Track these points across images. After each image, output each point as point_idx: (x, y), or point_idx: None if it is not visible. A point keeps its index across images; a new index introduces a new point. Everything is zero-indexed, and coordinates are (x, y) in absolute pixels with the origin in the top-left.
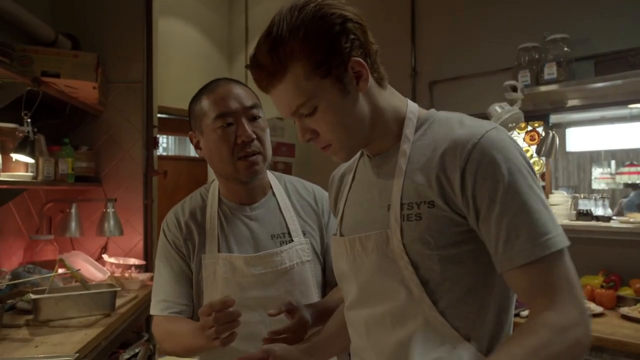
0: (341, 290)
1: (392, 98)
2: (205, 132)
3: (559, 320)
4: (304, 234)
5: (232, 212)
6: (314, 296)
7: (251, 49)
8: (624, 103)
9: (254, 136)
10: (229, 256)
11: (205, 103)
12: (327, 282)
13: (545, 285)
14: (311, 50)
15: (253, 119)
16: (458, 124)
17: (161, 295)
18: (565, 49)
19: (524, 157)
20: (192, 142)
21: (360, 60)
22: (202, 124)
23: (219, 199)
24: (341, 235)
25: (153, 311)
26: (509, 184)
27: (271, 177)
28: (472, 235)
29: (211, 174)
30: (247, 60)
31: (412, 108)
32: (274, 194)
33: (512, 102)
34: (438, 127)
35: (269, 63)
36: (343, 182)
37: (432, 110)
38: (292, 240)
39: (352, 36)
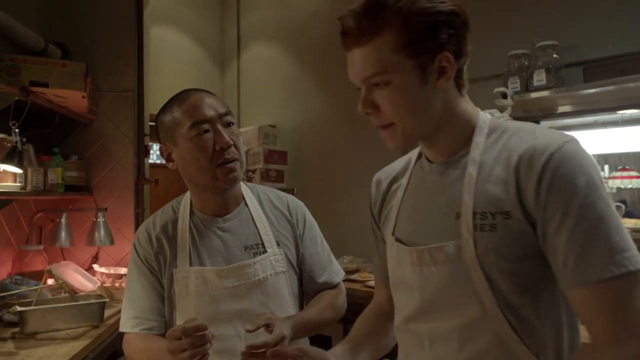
0: (395, 299)
1: (466, 105)
2: (179, 142)
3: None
4: (278, 245)
5: (204, 224)
6: (290, 307)
7: (243, 57)
8: (614, 109)
9: (232, 142)
10: (200, 269)
11: (177, 113)
12: (305, 293)
13: (615, 311)
14: (409, 27)
15: (227, 125)
16: (531, 134)
17: (132, 312)
18: (554, 55)
19: (598, 172)
20: (162, 155)
21: (450, 57)
22: (175, 135)
23: (191, 211)
24: (398, 241)
25: (123, 328)
26: (585, 196)
27: (244, 187)
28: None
29: None
30: (240, 69)
31: (484, 117)
32: (246, 204)
33: (502, 109)
34: (509, 137)
35: (364, 21)
36: (393, 186)
37: (502, 120)
38: (266, 251)
39: (452, 31)
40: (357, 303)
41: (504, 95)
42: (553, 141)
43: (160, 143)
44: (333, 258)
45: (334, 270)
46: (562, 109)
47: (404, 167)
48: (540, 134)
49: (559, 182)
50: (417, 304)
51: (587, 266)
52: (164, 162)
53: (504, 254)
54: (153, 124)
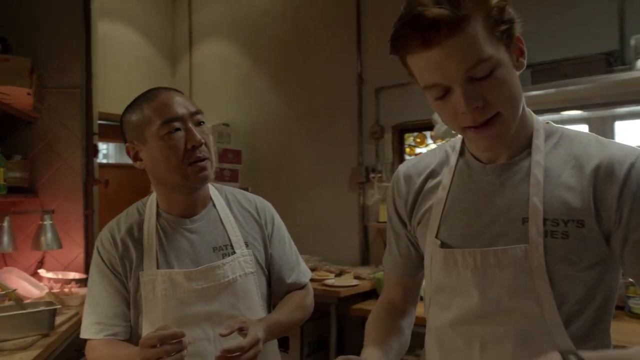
0: (434, 301)
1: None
2: (149, 141)
3: None
4: (247, 245)
5: (171, 225)
6: (259, 308)
7: (195, 53)
8: (557, 110)
9: (203, 141)
10: (168, 272)
11: (147, 111)
12: (273, 294)
13: None
14: (492, 7)
15: (198, 124)
16: (598, 143)
17: (94, 317)
18: None
19: None
20: (129, 154)
21: (521, 38)
22: (145, 133)
23: (157, 213)
24: (445, 244)
25: (85, 334)
26: None
27: (211, 188)
28: (607, 259)
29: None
30: (192, 66)
31: (537, 118)
32: (214, 205)
33: None
34: (571, 143)
35: (449, 8)
36: (429, 182)
37: (553, 124)
38: (235, 252)
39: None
40: (316, 302)
41: None
42: (630, 152)
43: (126, 142)
44: (300, 259)
45: (301, 270)
46: None
47: (439, 163)
48: (610, 144)
49: (629, 183)
50: (475, 306)
51: None
52: (113, 162)
53: (575, 263)
54: (101, 122)
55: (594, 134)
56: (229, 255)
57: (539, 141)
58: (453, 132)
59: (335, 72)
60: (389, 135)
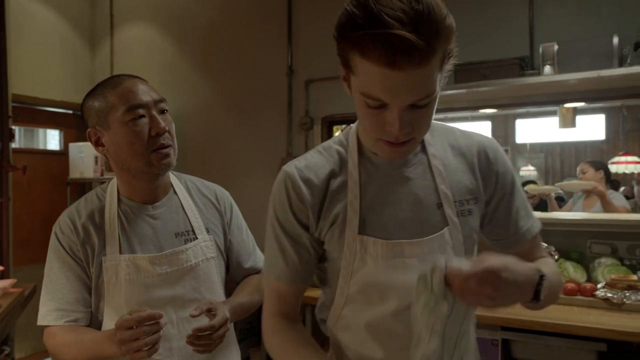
0: (365, 298)
1: None
2: (112, 127)
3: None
4: (208, 231)
5: (133, 211)
6: (220, 292)
7: (117, 36)
8: (474, 108)
9: (167, 128)
10: (132, 257)
11: (111, 97)
12: (231, 279)
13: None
14: (451, 46)
15: (162, 112)
16: (461, 133)
17: (54, 304)
18: None
19: None
20: (90, 139)
21: None
22: (108, 119)
23: (118, 199)
24: (376, 237)
25: (44, 321)
26: (515, 177)
27: (172, 176)
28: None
29: (73, 169)
30: (113, 50)
31: None
32: (175, 192)
33: None
34: (445, 135)
35: (425, 38)
36: (332, 183)
37: None
38: (197, 238)
39: None
40: None
41: None
42: (488, 139)
43: (88, 127)
44: (255, 245)
45: (257, 256)
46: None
47: (335, 163)
48: (472, 134)
49: (505, 168)
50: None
51: (533, 223)
52: (29, 147)
53: (476, 232)
54: (17, 104)
55: (451, 125)
56: (191, 241)
57: (427, 137)
58: None
59: (265, 62)
60: (319, 127)
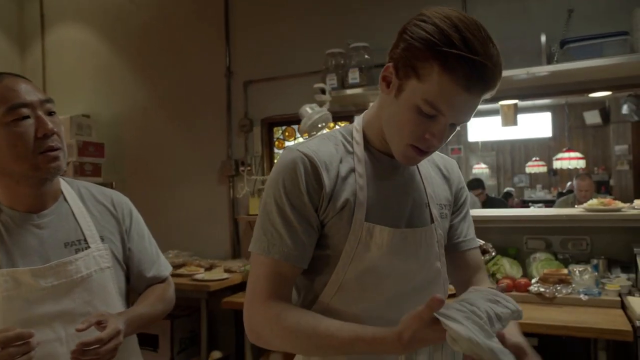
0: (361, 285)
1: None
2: None
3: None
4: (103, 240)
5: (15, 221)
6: (118, 304)
7: (49, 37)
8: None
9: (56, 130)
10: (11, 271)
11: None
12: (132, 289)
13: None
14: None
15: (50, 114)
16: None
17: None
18: (366, 56)
19: None
20: None
21: None
22: None
23: None
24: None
25: None
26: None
27: (62, 182)
28: None
29: None
30: (45, 52)
31: None
32: (65, 199)
33: (321, 104)
34: None
35: (498, 76)
36: (341, 171)
37: None
38: (89, 247)
39: None
40: (186, 297)
41: (323, 91)
42: (449, 157)
43: None
44: (160, 252)
45: (162, 264)
46: (371, 105)
47: (343, 151)
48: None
49: (463, 182)
50: (416, 273)
51: (473, 234)
52: None
53: (445, 232)
54: None
55: None
56: (82, 250)
57: None
58: (319, 126)
59: (203, 64)
60: (258, 129)
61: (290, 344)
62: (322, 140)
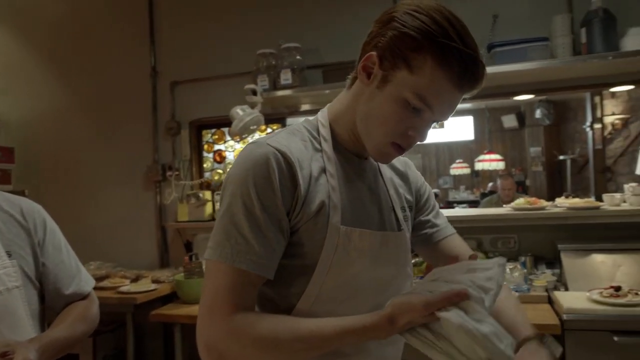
0: (346, 293)
1: None
2: None
3: None
4: (10, 256)
5: None
6: (29, 328)
7: None
8: None
9: None
10: None
11: None
12: (49, 309)
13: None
14: None
15: None
16: None
17: None
18: (298, 57)
19: None
20: None
21: None
22: None
23: None
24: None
25: None
26: None
27: None
28: None
29: None
30: None
31: None
32: None
33: (252, 105)
34: None
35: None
36: (313, 170)
37: None
38: None
39: None
40: (109, 312)
41: (254, 92)
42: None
43: None
44: (81, 265)
45: (82, 278)
46: (304, 107)
47: (312, 148)
48: None
49: (421, 177)
50: (391, 278)
51: (447, 223)
52: None
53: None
54: None
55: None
56: None
57: None
58: (251, 128)
59: (126, 63)
60: (186, 132)
61: (269, 356)
62: (289, 135)
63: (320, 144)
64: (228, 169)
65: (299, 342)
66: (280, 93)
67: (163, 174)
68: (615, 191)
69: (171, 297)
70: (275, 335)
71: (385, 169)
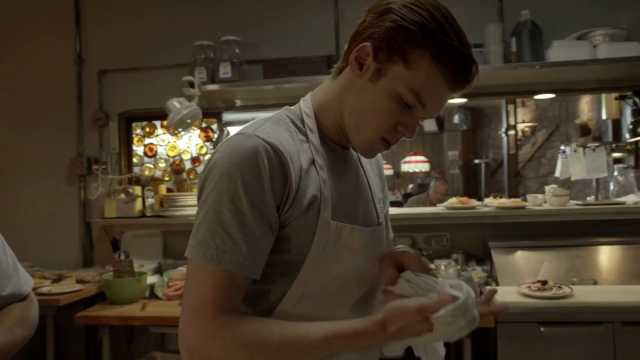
0: (332, 289)
1: None
2: None
3: None
4: None
5: None
6: None
7: None
8: (282, 105)
9: None
10: None
11: None
12: None
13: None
14: None
15: None
16: None
17: None
18: (237, 50)
19: None
20: None
21: None
22: None
23: None
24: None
25: None
26: None
27: None
28: None
29: None
30: None
31: None
32: None
33: (190, 98)
34: None
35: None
36: (303, 162)
37: None
38: None
39: None
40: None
41: (192, 85)
42: None
43: None
44: (18, 264)
45: (21, 277)
46: (241, 102)
47: (298, 140)
48: None
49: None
50: (375, 280)
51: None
52: None
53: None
54: None
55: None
56: None
57: None
58: (188, 121)
59: (47, 48)
60: (115, 124)
61: None
62: (275, 125)
63: (305, 135)
64: (160, 164)
65: (284, 346)
66: (218, 86)
67: (88, 167)
68: (525, 193)
69: (96, 298)
70: (260, 339)
71: (363, 159)
